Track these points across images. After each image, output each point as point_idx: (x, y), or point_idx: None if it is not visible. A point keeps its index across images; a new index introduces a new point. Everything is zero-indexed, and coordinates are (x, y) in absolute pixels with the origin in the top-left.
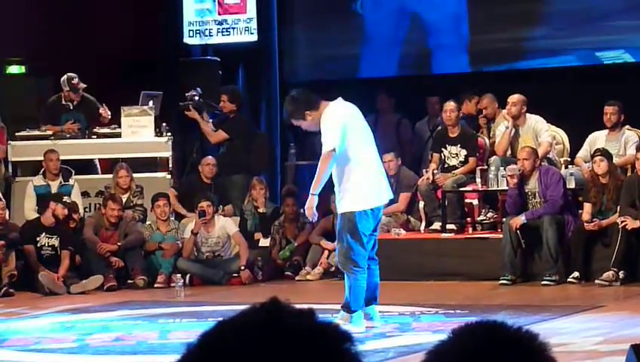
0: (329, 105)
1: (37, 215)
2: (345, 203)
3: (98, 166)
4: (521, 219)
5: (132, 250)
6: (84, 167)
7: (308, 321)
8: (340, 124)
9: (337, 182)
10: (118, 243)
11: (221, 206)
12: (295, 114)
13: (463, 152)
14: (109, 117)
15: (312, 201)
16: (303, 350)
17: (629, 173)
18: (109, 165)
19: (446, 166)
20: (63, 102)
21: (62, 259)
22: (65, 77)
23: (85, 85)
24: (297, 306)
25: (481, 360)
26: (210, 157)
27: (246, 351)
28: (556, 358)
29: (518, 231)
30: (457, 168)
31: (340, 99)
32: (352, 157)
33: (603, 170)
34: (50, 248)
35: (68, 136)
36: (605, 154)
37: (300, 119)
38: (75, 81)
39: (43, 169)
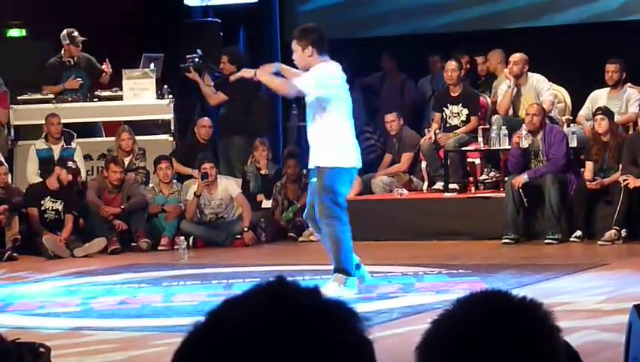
0: (329, 62)
1: (39, 178)
2: (332, 156)
3: (102, 129)
4: (523, 177)
5: (135, 212)
6: (89, 129)
7: (314, 299)
8: (329, 80)
9: (322, 136)
10: (122, 206)
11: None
12: (303, 38)
13: (465, 111)
14: (111, 72)
15: (248, 74)
16: (309, 328)
17: (630, 131)
18: (113, 128)
19: (448, 125)
20: (64, 59)
21: (65, 222)
22: (64, 31)
23: (85, 38)
24: (303, 283)
25: (485, 329)
26: (206, 118)
27: (252, 331)
28: (559, 326)
29: (520, 190)
30: (459, 127)
31: (337, 64)
32: (338, 117)
33: (604, 128)
34: (54, 212)
35: (70, 99)
36: (606, 112)
37: (301, 47)
38: (75, 34)
39: (45, 133)
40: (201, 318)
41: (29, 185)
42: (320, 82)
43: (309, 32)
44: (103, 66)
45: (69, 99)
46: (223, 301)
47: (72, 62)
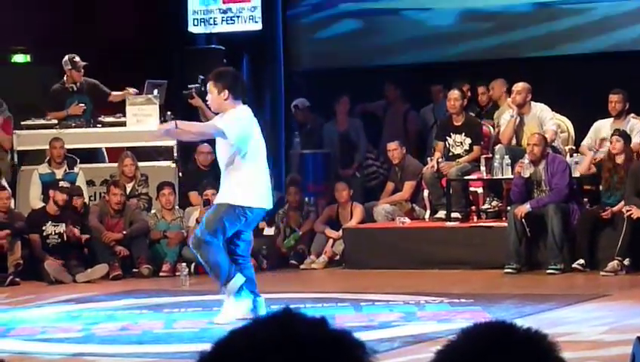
0: (241, 106)
1: (42, 203)
2: (235, 195)
3: (105, 154)
4: (526, 207)
5: (137, 238)
6: (92, 155)
7: (321, 330)
8: (246, 125)
9: (232, 176)
10: (124, 232)
11: None
12: (219, 81)
13: (468, 141)
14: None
15: (170, 129)
16: (315, 359)
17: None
18: (116, 154)
19: (450, 154)
20: (67, 85)
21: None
22: (66, 57)
23: (86, 63)
24: (310, 314)
25: (490, 360)
26: (205, 144)
27: (258, 361)
28: (564, 357)
29: (523, 220)
30: (462, 156)
31: (248, 107)
32: (250, 159)
33: (618, 149)
34: (56, 236)
35: (73, 124)
36: (623, 135)
37: (217, 89)
38: (77, 59)
39: (48, 157)
40: (208, 347)
41: (31, 210)
42: (238, 128)
43: (226, 76)
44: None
45: (73, 124)
46: (229, 330)
47: (75, 88)
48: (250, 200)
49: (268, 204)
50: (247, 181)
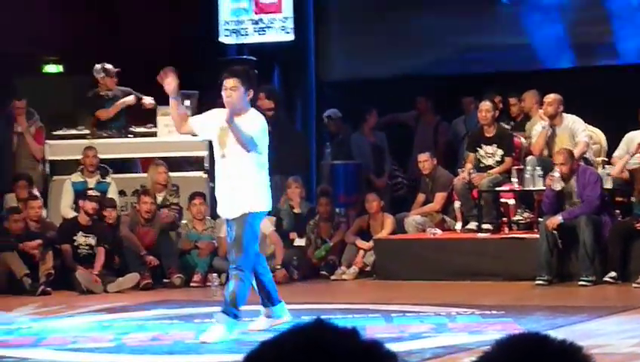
0: (254, 110)
1: (74, 212)
2: (251, 202)
3: (139, 165)
4: (557, 218)
5: (167, 249)
6: (127, 165)
7: (352, 341)
8: (265, 133)
9: (248, 182)
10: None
11: None
12: (248, 82)
13: (499, 152)
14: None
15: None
16: None
17: None
18: (147, 164)
19: (482, 165)
20: (101, 92)
21: (97, 255)
22: (97, 66)
23: (119, 69)
24: (341, 325)
25: None
26: None
27: None
28: None
29: (554, 231)
30: (493, 168)
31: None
32: (264, 164)
33: None
34: (87, 247)
35: (104, 134)
36: None
37: (245, 88)
38: (108, 66)
39: (81, 166)
40: (240, 359)
41: (63, 220)
42: (263, 139)
43: (253, 79)
44: (146, 100)
45: (104, 134)
46: (260, 342)
47: (109, 96)
48: (266, 205)
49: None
50: (264, 186)
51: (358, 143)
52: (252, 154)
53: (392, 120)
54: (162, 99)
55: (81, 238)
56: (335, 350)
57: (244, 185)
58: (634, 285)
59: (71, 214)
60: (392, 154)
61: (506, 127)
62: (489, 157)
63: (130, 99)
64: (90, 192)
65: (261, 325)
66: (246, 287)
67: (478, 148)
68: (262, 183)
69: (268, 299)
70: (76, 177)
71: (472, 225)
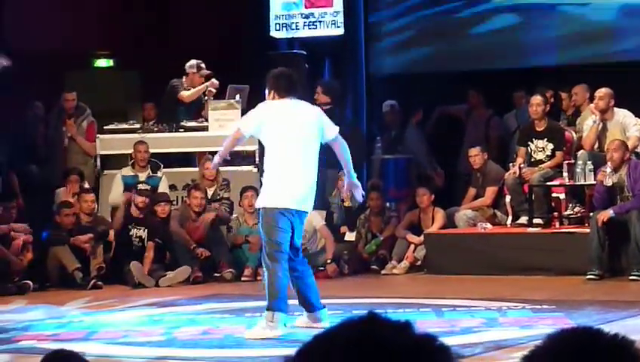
0: (281, 100)
1: (119, 201)
2: (262, 198)
3: (196, 158)
4: (608, 213)
5: (218, 243)
6: (186, 159)
7: (406, 334)
8: (257, 116)
9: (264, 178)
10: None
11: None
12: (268, 86)
13: (550, 146)
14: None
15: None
16: None
17: None
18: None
19: (532, 160)
20: (186, 86)
21: (147, 250)
22: (193, 61)
23: (210, 72)
24: (394, 318)
25: None
26: None
27: None
28: None
29: (602, 227)
30: (544, 162)
31: (282, 100)
32: (281, 158)
33: None
34: (137, 239)
35: (155, 129)
36: None
37: (268, 92)
38: (203, 65)
39: (132, 160)
40: (292, 353)
41: (112, 209)
42: (249, 120)
43: (269, 78)
44: (208, 84)
45: (155, 128)
46: (314, 335)
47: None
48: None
49: (288, 204)
50: (276, 181)
51: (414, 137)
52: (266, 148)
53: (443, 113)
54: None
55: (133, 230)
56: (388, 343)
57: (263, 181)
58: None
59: (118, 202)
60: (443, 148)
61: (560, 123)
62: (540, 151)
63: (209, 84)
64: (140, 186)
65: (303, 322)
66: (274, 281)
67: (529, 143)
68: (273, 178)
69: (304, 305)
70: (127, 171)
71: (523, 219)
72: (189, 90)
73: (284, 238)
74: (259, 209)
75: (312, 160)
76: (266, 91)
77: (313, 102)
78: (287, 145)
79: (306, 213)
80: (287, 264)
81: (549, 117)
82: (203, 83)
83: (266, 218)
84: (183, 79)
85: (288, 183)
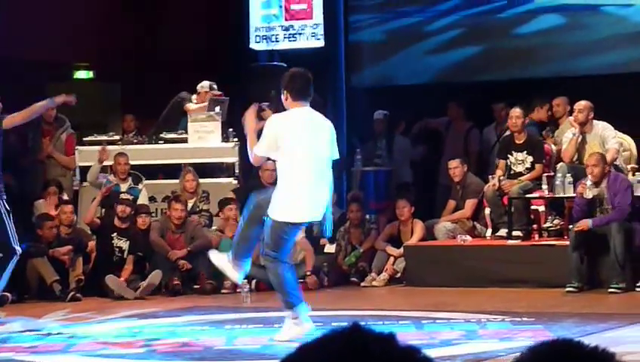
0: (295, 109)
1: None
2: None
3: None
4: (587, 222)
5: (198, 254)
6: (168, 170)
7: (390, 346)
8: (272, 134)
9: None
10: (188, 249)
11: None
12: (283, 85)
13: (529, 159)
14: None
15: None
16: None
17: None
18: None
19: (512, 172)
20: (192, 103)
21: (127, 263)
22: (206, 82)
23: (221, 93)
24: (377, 330)
25: None
26: (270, 162)
27: None
28: None
29: (583, 238)
30: (523, 175)
31: (298, 109)
32: (287, 171)
33: None
34: (117, 250)
35: (135, 140)
36: None
37: (282, 92)
38: (215, 86)
39: (112, 172)
40: None
41: (102, 216)
42: (264, 141)
43: (284, 78)
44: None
45: (135, 140)
46: (298, 346)
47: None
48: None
49: (298, 218)
50: (283, 193)
51: (402, 147)
52: (282, 160)
53: (424, 126)
54: None
55: (115, 240)
56: (373, 355)
57: (278, 191)
58: None
59: (97, 213)
60: (424, 160)
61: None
62: (519, 164)
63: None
64: (122, 195)
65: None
66: (281, 281)
67: (508, 155)
68: (281, 191)
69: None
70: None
71: (503, 231)
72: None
73: (287, 249)
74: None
75: (327, 174)
76: (281, 90)
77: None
78: (302, 158)
79: (312, 222)
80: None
81: (528, 129)
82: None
83: (276, 229)
84: (194, 96)
85: (301, 197)
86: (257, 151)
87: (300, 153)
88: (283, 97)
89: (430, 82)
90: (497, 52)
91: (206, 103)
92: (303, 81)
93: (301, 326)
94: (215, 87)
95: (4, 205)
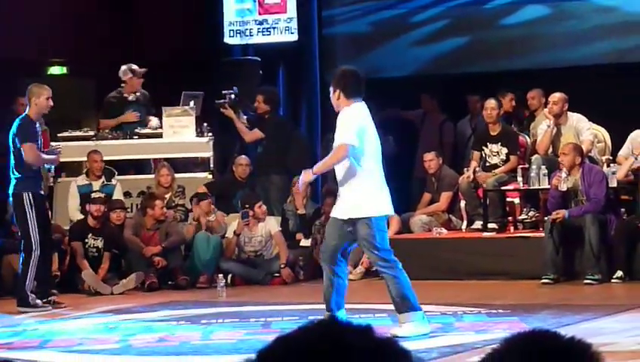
0: (356, 104)
1: (80, 215)
2: (371, 206)
3: (152, 165)
4: (563, 212)
5: (173, 250)
6: (139, 166)
7: (367, 337)
8: (359, 124)
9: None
10: (163, 245)
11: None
12: (333, 80)
13: (504, 150)
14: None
15: (308, 177)
16: None
17: None
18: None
19: (487, 164)
20: (124, 94)
21: (103, 260)
22: (124, 67)
23: (146, 69)
24: (355, 322)
25: None
26: (243, 156)
27: None
28: None
29: (559, 229)
30: (498, 166)
31: (363, 104)
32: (366, 162)
33: None
34: (94, 249)
35: (109, 136)
36: None
37: (332, 89)
38: (135, 67)
39: (86, 169)
40: (252, 356)
41: (76, 221)
42: (354, 129)
43: (338, 76)
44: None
45: (109, 136)
46: (275, 338)
47: (134, 98)
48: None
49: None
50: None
51: None
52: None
53: (398, 117)
54: (164, 100)
55: (90, 240)
56: (349, 346)
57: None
58: None
59: (78, 216)
60: (399, 153)
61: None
62: (494, 155)
63: (132, 117)
64: (93, 195)
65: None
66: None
67: (483, 147)
68: (368, 187)
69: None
70: (81, 180)
71: (478, 224)
72: (129, 97)
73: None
74: (359, 218)
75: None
76: (331, 87)
77: (254, 110)
78: (378, 150)
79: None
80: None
81: (502, 121)
82: (140, 85)
83: (379, 225)
84: (123, 87)
85: (384, 188)
86: (353, 141)
87: (377, 147)
88: (334, 95)
89: (409, 75)
90: (482, 44)
91: (121, 118)
92: (358, 81)
93: (426, 326)
94: (135, 66)
95: None
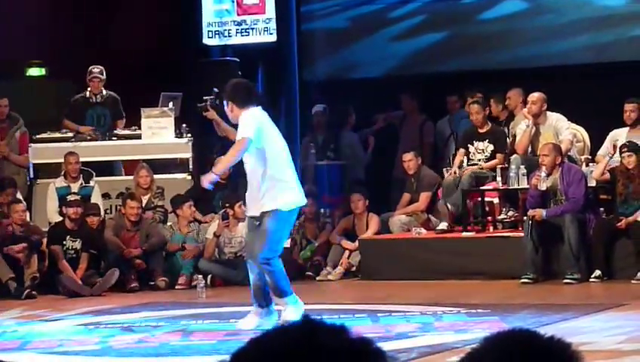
0: (252, 108)
1: (59, 217)
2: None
3: (122, 167)
4: (542, 212)
5: (153, 251)
6: (108, 168)
7: (341, 338)
8: (256, 122)
9: (264, 180)
10: (143, 248)
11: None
12: (225, 94)
13: (490, 148)
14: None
15: (211, 178)
16: None
17: None
18: (133, 167)
19: (470, 163)
20: (88, 96)
21: (80, 261)
22: (89, 68)
23: (100, 68)
24: (329, 322)
25: None
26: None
27: None
28: None
29: (538, 229)
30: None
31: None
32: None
33: (632, 164)
34: (72, 251)
35: (88, 137)
36: (633, 148)
37: (225, 102)
38: (95, 70)
39: (64, 171)
40: (227, 357)
41: (54, 223)
42: (252, 126)
43: (228, 89)
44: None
45: (88, 137)
46: (249, 340)
47: (98, 100)
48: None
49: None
50: (279, 182)
51: (350, 142)
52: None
53: (384, 119)
54: (142, 101)
55: (68, 242)
56: (324, 347)
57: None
58: (633, 281)
59: (57, 219)
60: (379, 154)
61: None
62: (479, 153)
63: (88, 129)
64: (69, 197)
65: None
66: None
67: (469, 145)
68: (281, 179)
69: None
70: (60, 182)
71: (443, 225)
72: (94, 99)
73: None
74: (269, 211)
75: None
76: (225, 101)
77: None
78: (284, 149)
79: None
80: None
81: (490, 121)
82: (102, 88)
83: (285, 220)
84: (88, 89)
85: (294, 184)
86: (250, 134)
87: (280, 143)
88: (228, 108)
89: (386, 74)
90: (460, 39)
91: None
92: (248, 90)
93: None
94: (96, 69)
95: None
